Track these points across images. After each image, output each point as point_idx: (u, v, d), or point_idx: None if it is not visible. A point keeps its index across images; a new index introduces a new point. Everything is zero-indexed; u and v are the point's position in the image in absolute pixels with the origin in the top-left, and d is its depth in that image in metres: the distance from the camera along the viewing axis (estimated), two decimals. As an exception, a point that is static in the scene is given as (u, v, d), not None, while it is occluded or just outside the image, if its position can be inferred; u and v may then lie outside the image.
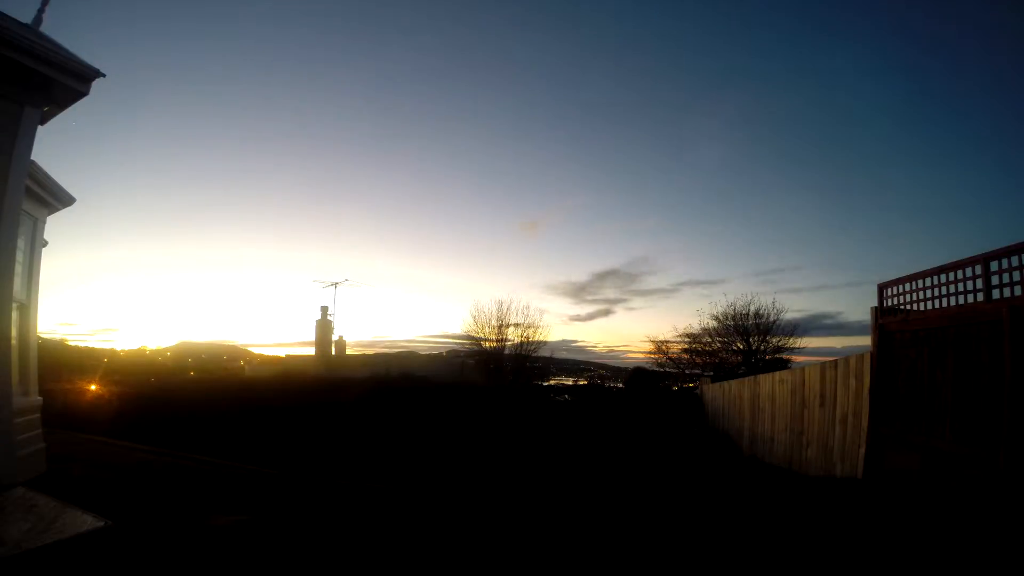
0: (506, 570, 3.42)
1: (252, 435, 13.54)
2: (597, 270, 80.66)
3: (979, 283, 5.12)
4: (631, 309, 58.24)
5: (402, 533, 4.34)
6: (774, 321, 21.12)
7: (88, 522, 3.46)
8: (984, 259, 5.03)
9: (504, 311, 23.81)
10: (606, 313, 61.43)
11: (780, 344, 21.09)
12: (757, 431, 10.60)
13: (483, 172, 64.52)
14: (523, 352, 23.77)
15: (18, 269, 5.10)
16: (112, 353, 43.40)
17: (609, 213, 64.83)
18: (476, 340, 23.99)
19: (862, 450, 6.92)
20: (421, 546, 3.93)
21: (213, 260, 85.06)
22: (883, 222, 51.17)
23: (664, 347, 23.71)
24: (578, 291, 58.87)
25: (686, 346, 23.20)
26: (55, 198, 6.21)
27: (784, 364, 18.55)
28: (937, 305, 5.82)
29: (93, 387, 19.81)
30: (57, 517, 3.51)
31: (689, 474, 9.74)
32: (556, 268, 73.11)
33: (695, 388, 15.53)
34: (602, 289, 68.68)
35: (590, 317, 59.05)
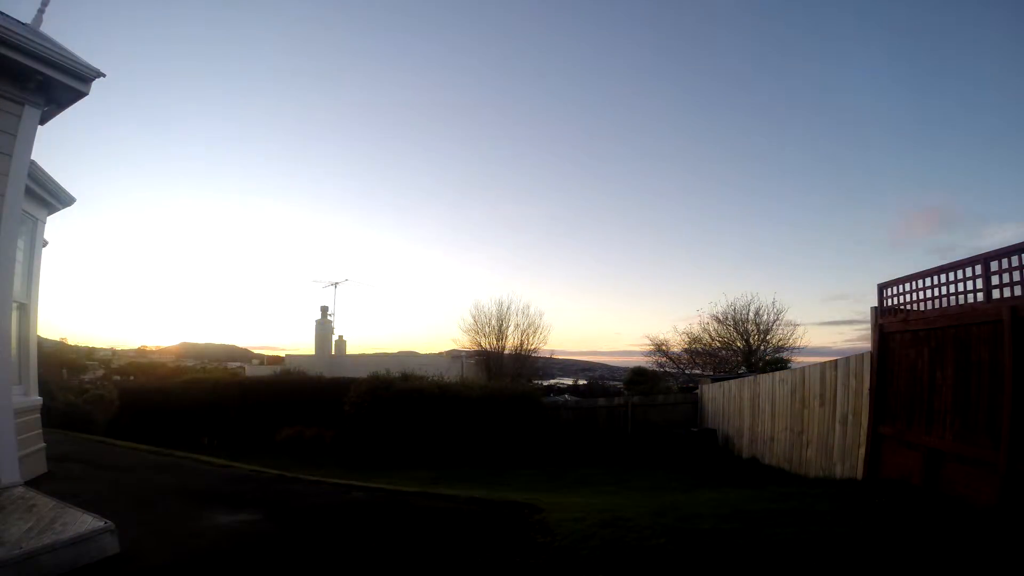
0: None
1: (252, 435, 13.56)
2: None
3: (979, 283, 5.12)
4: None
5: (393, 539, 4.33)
6: (774, 320, 21.17)
7: (88, 522, 3.46)
8: (984, 259, 5.03)
9: (504, 311, 23.84)
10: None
11: (780, 344, 21.12)
12: (757, 431, 10.60)
13: (484, 168, 64.48)
14: (523, 352, 23.79)
15: (18, 269, 5.10)
16: (112, 353, 43.46)
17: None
18: (476, 340, 24.05)
19: (862, 450, 6.92)
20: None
21: (214, 260, 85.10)
22: (882, 221, 51.15)
23: (664, 347, 23.78)
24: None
25: (686, 346, 23.27)
26: (55, 198, 6.22)
27: (784, 364, 18.57)
28: (937, 305, 5.82)
29: (93, 387, 19.82)
30: (57, 517, 3.51)
31: (688, 474, 9.75)
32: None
33: (695, 388, 15.53)
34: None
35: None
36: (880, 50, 40.83)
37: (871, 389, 6.82)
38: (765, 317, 21.30)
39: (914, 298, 6.26)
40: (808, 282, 54.02)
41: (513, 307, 23.95)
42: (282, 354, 31.02)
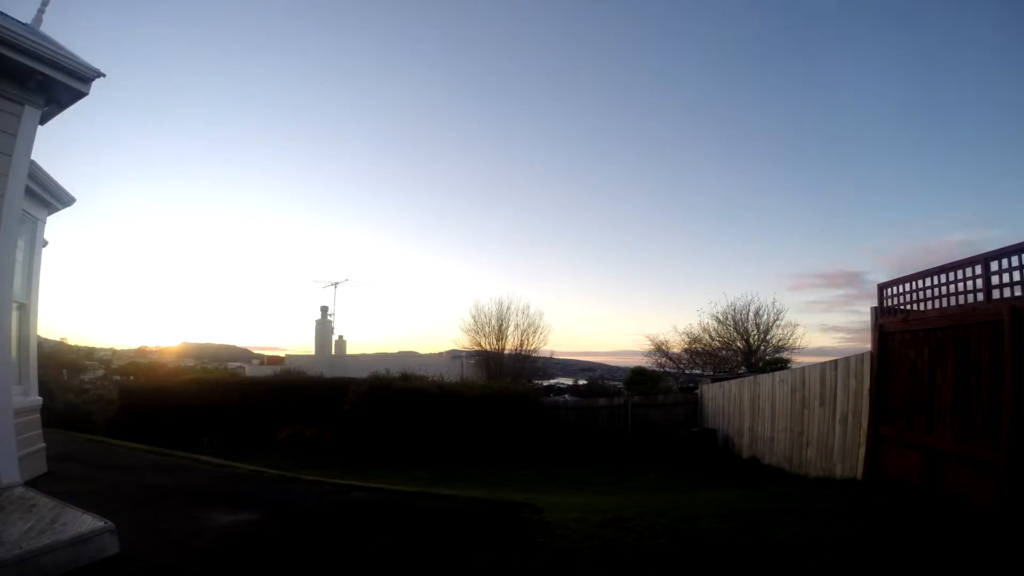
0: None
1: (252, 435, 13.56)
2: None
3: (979, 283, 5.12)
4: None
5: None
6: (774, 320, 21.19)
7: (88, 522, 3.45)
8: (984, 259, 5.04)
9: (504, 311, 23.84)
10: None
11: (780, 344, 21.14)
12: (757, 431, 10.61)
13: (484, 168, 64.40)
14: (523, 352, 23.79)
15: (18, 269, 5.10)
16: (112, 353, 43.45)
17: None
18: (476, 340, 24.06)
19: (862, 450, 6.92)
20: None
21: (214, 260, 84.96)
22: (881, 220, 51.15)
23: (664, 347, 23.78)
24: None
25: (686, 346, 23.28)
26: (55, 198, 6.22)
27: (784, 364, 18.58)
28: (937, 305, 5.83)
29: (93, 387, 19.83)
30: (57, 517, 3.51)
31: (689, 474, 9.75)
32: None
33: (695, 388, 15.53)
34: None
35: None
36: (876, 50, 40.88)
37: (871, 389, 6.82)
38: (765, 317, 21.35)
39: (914, 298, 6.27)
40: (808, 281, 53.99)
41: (513, 307, 23.99)
42: (282, 354, 31.02)
